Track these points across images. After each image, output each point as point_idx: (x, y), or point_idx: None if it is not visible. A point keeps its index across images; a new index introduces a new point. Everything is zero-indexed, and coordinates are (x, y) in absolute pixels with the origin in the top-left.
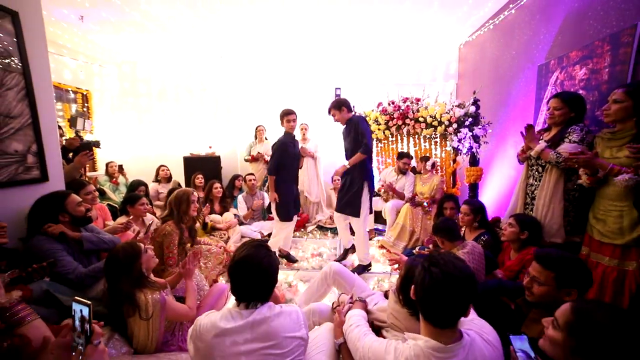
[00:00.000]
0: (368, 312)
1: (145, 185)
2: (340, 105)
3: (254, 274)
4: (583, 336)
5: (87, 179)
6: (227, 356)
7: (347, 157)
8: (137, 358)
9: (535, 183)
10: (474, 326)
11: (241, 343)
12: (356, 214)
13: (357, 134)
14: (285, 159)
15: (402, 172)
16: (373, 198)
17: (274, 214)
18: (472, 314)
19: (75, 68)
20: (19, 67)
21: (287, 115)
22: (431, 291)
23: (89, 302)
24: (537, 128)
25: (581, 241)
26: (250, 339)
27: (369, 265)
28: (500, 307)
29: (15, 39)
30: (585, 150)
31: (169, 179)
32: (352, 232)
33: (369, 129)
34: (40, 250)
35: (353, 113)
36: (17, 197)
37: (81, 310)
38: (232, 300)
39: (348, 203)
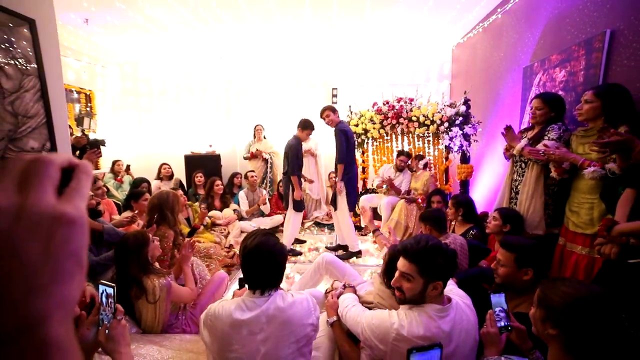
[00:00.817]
0: (359, 296)
1: (148, 182)
2: (334, 110)
3: (266, 261)
4: (549, 304)
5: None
6: (244, 345)
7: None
8: (146, 336)
9: (519, 179)
10: (455, 294)
11: (257, 332)
12: (335, 207)
13: (336, 143)
14: (300, 159)
15: (399, 169)
16: (369, 195)
17: (289, 206)
18: (452, 285)
19: (78, 69)
20: (35, 70)
21: (308, 129)
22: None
23: (113, 284)
24: (523, 127)
25: (559, 233)
26: (266, 328)
27: (359, 252)
28: (481, 291)
29: (32, 45)
30: (560, 145)
31: (170, 176)
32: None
33: (344, 142)
34: None
35: (340, 120)
36: None
37: (106, 290)
38: (231, 289)
39: (333, 199)
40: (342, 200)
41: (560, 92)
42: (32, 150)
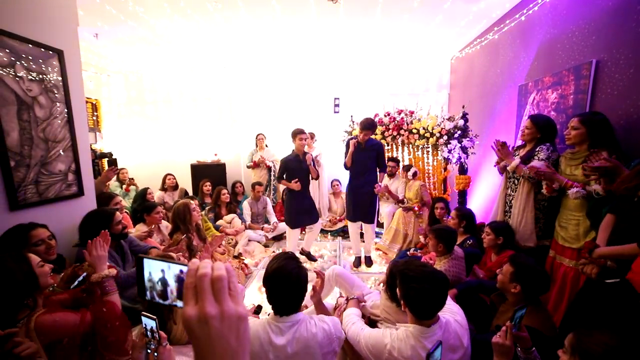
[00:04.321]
0: (364, 307)
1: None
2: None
3: (286, 285)
4: (588, 352)
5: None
6: None
7: (358, 169)
8: (177, 348)
9: (512, 194)
10: (449, 310)
11: (282, 358)
12: (371, 220)
13: (378, 156)
14: (288, 169)
15: (389, 175)
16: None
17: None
18: (448, 301)
19: (85, 79)
20: (63, 97)
21: (296, 135)
22: (416, 302)
23: (154, 316)
24: (518, 142)
25: (550, 245)
26: (290, 355)
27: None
28: (479, 301)
29: (60, 74)
30: (549, 165)
31: (175, 187)
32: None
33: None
34: None
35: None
36: (62, 210)
37: (148, 324)
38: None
39: (364, 214)
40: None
41: (552, 113)
42: (59, 173)
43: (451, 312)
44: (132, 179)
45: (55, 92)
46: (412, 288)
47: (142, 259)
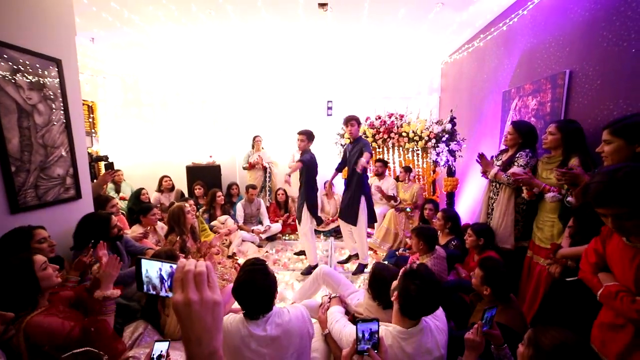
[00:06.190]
0: (347, 304)
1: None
2: (360, 122)
3: (254, 294)
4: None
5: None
6: (253, 355)
7: (349, 171)
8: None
9: (494, 197)
10: (432, 314)
11: (264, 346)
12: (354, 223)
13: (362, 153)
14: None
15: (378, 174)
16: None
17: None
18: None
19: (81, 81)
20: (60, 105)
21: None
22: (413, 299)
23: (167, 340)
24: (502, 147)
25: (528, 246)
26: (271, 344)
27: (368, 265)
28: (459, 300)
29: (59, 83)
30: (526, 172)
31: (171, 188)
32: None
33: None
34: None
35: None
36: (61, 213)
37: (158, 349)
38: None
39: (348, 214)
40: (362, 214)
41: (532, 119)
42: (58, 177)
43: (434, 316)
44: (119, 170)
45: (54, 99)
46: (416, 284)
47: (140, 259)
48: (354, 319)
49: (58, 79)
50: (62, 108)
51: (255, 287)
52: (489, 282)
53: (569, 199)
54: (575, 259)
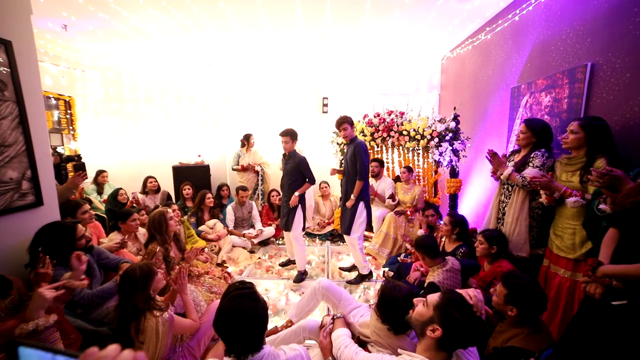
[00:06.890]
0: (351, 324)
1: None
2: (352, 123)
3: (242, 327)
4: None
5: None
6: None
7: (344, 174)
8: None
9: (506, 200)
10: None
11: None
12: (347, 231)
13: (356, 160)
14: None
15: (374, 175)
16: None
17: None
18: None
19: (56, 74)
20: (13, 95)
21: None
22: (461, 332)
23: None
24: (510, 146)
25: (543, 254)
26: None
27: (370, 274)
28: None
29: (8, 68)
30: (544, 174)
31: (157, 190)
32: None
33: (366, 157)
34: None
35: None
36: (14, 223)
37: None
38: None
39: (344, 221)
40: (357, 222)
41: (545, 117)
42: (10, 181)
43: (465, 349)
44: (104, 172)
45: (3, 89)
46: (464, 315)
47: (17, 346)
48: (358, 342)
49: (8, 64)
50: (16, 100)
51: (246, 317)
52: (515, 302)
53: (602, 206)
54: (622, 279)
